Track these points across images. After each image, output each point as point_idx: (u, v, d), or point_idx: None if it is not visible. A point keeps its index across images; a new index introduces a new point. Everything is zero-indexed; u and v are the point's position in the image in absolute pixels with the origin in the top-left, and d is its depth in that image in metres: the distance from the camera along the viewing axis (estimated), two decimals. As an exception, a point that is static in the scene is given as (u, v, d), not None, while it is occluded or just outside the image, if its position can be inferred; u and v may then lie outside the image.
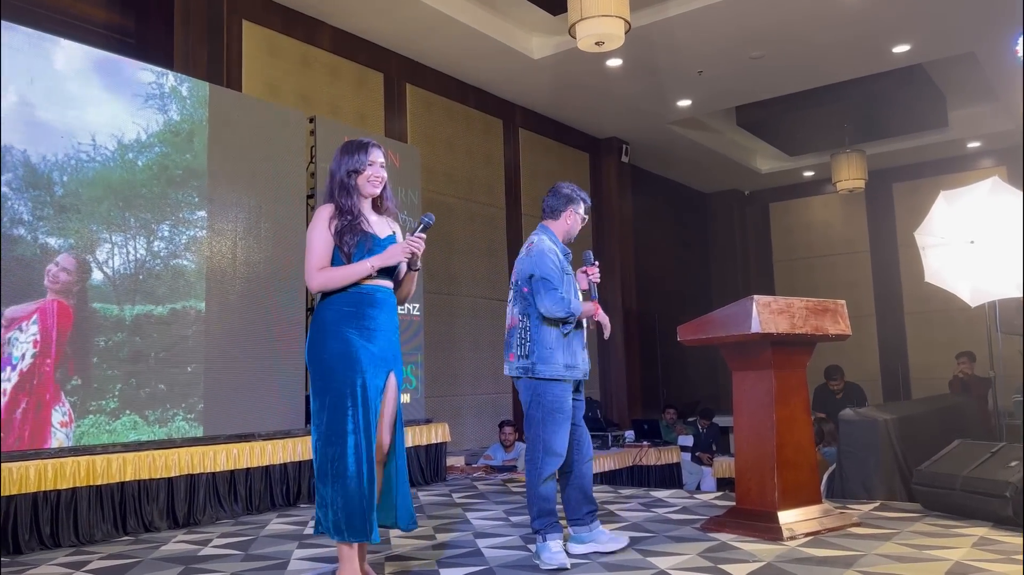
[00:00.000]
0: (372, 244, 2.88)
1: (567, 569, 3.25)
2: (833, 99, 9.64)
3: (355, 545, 2.80)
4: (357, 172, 2.93)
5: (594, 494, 3.66)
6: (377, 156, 2.97)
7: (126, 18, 5.83)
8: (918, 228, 6.02)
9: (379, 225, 2.97)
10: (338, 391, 2.78)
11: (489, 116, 8.86)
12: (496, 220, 8.86)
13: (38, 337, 4.23)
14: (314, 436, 2.85)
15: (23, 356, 4.16)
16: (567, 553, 3.40)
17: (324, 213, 2.90)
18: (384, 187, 3.01)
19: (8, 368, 4.09)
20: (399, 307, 3.03)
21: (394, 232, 3.02)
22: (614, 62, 8.03)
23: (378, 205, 3.02)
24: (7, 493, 3.81)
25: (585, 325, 3.66)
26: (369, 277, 2.86)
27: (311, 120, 5.85)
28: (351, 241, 2.85)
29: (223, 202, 5.11)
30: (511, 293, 3.65)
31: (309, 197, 5.67)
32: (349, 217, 2.88)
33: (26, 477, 3.88)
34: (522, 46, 7.82)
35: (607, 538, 3.56)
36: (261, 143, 5.38)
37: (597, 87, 8.76)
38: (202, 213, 5.01)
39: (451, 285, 8.11)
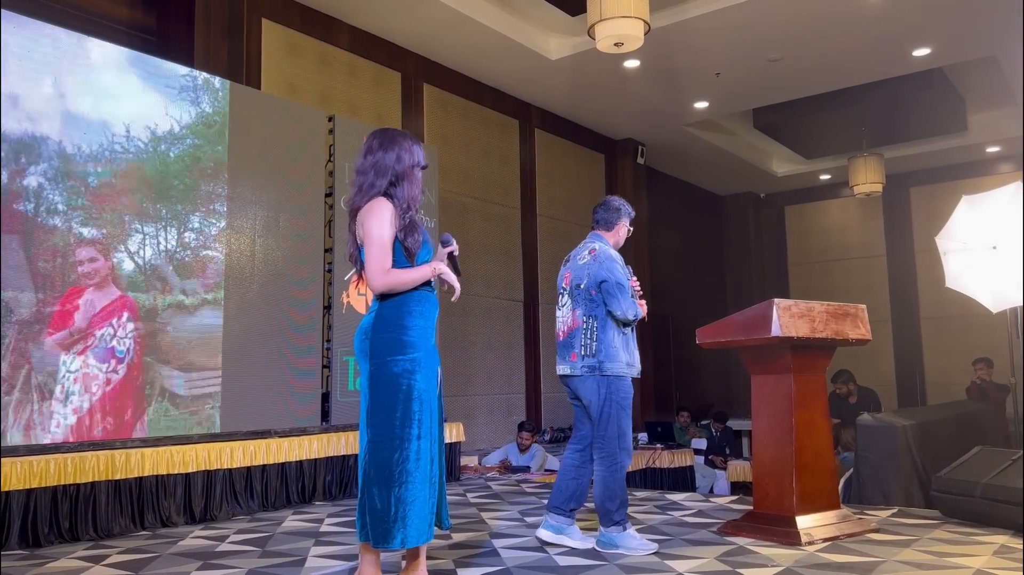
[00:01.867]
0: (424, 240, 2.82)
1: (658, 550, 3.50)
2: (851, 102, 9.59)
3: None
4: (422, 167, 2.85)
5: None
6: None
7: (148, 16, 5.87)
8: (939, 233, 5.99)
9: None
10: (406, 395, 2.68)
11: (505, 116, 8.86)
12: (511, 220, 8.86)
13: (139, 331, 4.48)
14: (370, 436, 2.69)
15: (128, 350, 4.40)
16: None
17: (387, 209, 2.72)
18: None
19: (113, 361, 4.34)
20: None
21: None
22: (631, 63, 8.01)
23: None
24: (27, 487, 3.83)
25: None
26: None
27: (330, 119, 5.87)
28: (416, 241, 2.75)
29: (242, 200, 5.14)
30: (564, 297, 3.81)
31: (327, 195, 5.69)
32: (410, 215, 2.77)
33: (46, 471, 3.90)
34: (540, 47, 7.82)
35: (579, 536, 3.70)
36: (280, 141, 5.40)
37: (614, 88, 8.75)
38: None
39: (465, 285, 7.99)
